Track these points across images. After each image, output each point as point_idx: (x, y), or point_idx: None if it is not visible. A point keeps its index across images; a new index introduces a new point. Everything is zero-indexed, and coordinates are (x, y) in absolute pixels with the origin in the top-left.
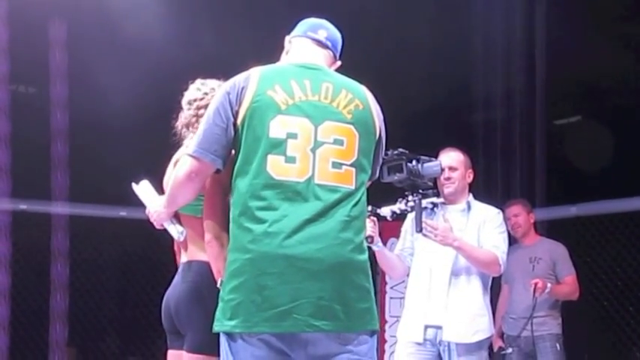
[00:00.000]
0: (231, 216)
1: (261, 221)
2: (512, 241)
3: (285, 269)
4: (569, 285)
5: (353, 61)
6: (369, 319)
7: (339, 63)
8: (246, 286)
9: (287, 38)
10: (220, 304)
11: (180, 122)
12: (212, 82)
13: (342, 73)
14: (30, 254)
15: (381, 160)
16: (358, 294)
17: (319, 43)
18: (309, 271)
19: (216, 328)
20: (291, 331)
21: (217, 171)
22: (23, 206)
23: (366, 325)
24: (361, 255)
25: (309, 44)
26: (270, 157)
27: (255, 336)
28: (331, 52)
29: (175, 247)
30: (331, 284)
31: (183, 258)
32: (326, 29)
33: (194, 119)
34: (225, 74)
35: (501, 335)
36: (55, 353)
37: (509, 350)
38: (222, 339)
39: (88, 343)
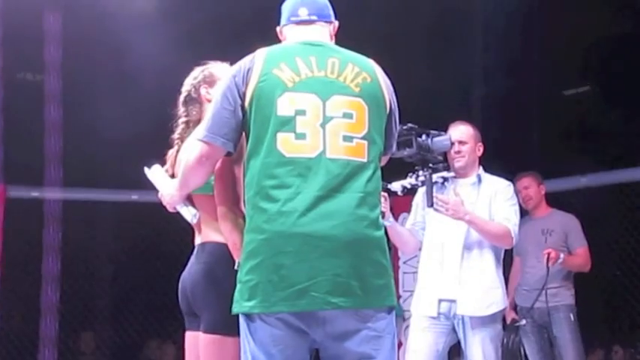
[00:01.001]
0: (245, 197)
1: (274, 200)
2: (524, 213)
3: (300, 247)
4: (581, 257)
5: (356, 38)
6: (387, 295)
7: (336, 23)
8: (263, 267)
9: (278, 29)
10: (238, 286)
11: (179, 119)
12: (194, 72)
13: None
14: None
15: (396, 134)
16: (375, 270)
17: (305, 22)
18: (325, 248)
19: (235, 309)
20: (309, 310)
21: (229, 154)
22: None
23: (383, 300)
24: (377, 231)
25: (298, 28)
26: (279, 135)
27: (274, 316)
28: (322, 22)
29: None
30: (347, 261)
31: (197, 240)
32: (304, 5)
33: (185, 117)
34: None
35: (514, 307)
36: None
37: (523, 322)
38: (241, 320)
39: (105, 326)
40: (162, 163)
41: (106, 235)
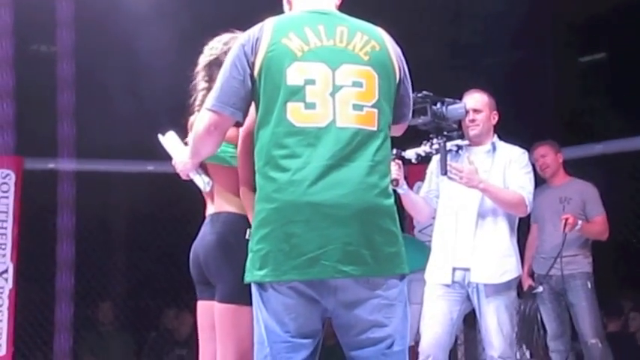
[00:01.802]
0: (255, 167)
1: (284, 170)
2: (542, 182)
3: (311, 216)
4: (599, 224)
5: (368, 7)
6: (398, 263)
7: None
8: (274, 236)
9: None
10: (250, 255)
11: (195, 86)
12: (225, 37)
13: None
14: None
15: (409, 103)
16: (385, 238)
17: None
18: (336, 217)
19: (247, 278)
20: (320, 278)
21: (237, 124)
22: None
23: (394, 269)
24: (387, 199)
25: None
26: (289, 105)
27: (285, 284)
28: None
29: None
30: (358, 229)
31: (210, 209)
32: None
33: (206, 83)
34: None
35: (532, 275)
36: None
37: (540, 289)
38: (254, 289)
39: (123, 296)
40: (180, 131)
41: (123, 206)
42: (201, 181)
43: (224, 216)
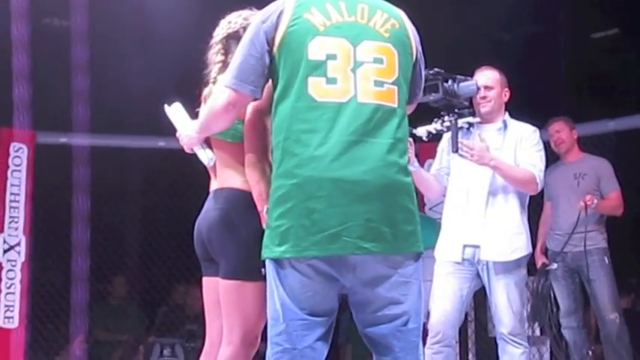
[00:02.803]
0: (274, 142)
1: (306, 145)
2: (555, 159)
3: (332, 192)
4: (613, 200)
5: None
6: (414, 241)
7: None
8: (295, 211)
9: None
10: (267, 232)
11: (210, 58)
12: (245, 13)
13: None
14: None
15: (421, 83)
16: (405, 216)
17: None
18: (357, 193)
19: (264, 254)
20: (340, 254)
21: (255, 99)
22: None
23: (411, 246)
24: (406, 177)
25: None
26: (310, 80)
27: (305, 261)
28: None
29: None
30: (379, 206)
31: (213, 185)
32: None
33: (222, 56)
34: None
35: (545, 252)
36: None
37: (554, 266)
38: (270, 266)
39: (135, 271)
40: (187, 103)
41: (135, 181)
42: (205, 156)
43: (227, 191)
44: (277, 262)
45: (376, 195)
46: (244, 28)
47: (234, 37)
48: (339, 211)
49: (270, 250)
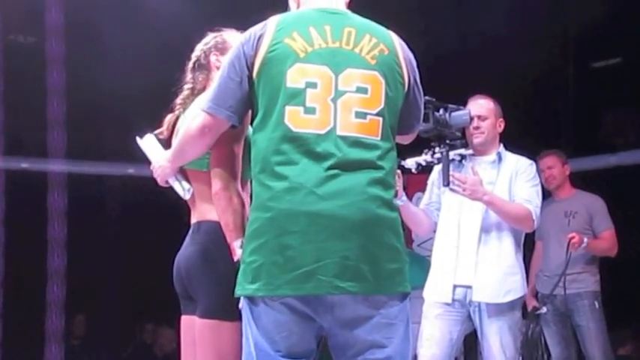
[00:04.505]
0: (252, 174)
1: (281, 177)
2: (547, 194)
3: (307, 227)
4: (607, 240)
5: (373, 6)
6: (400, 281)
7: None
8: (268, 247)
9: None
10: (241, 267)
11: (184, 85)
12: (208, 37)
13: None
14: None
15: (418, 113)
16: (388, 253)
17: None
18: (334, 229)
19: (237, 292)
20: (316, 294)
21: (233, 127)
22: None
23: (396, 286)
24: (391, 212)
25: None
26: (288, 109)
27: (278, 299)
28: None
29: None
30: (357, 243)
31: (193, 218)
32: None
33: (190, 83)
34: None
35: (535, 295)
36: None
37: (544, 310)
38: (244, 304)
39: (97, 309)
40: (159, 128)
41: (99, 211)
42: (181, 188)
43: (206, 225)
44: (251, 300)
45: (355, 231)
46: (205, 53)
47: (196, 66)
48: (314, 247)
49: (242, 287)
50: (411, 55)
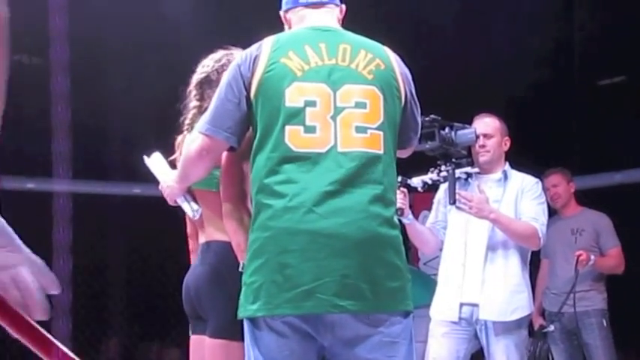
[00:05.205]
0: (252, 194)
1: (280, 196)
2: (552, 212)
3: (307, 245)
4: (614, 258)
5: (377, 26)
6: (401, 299)
7: (343, 7)
8: (267, 266)
9: (281, 13)
10: (243, 288)
11: (187, 104)
12: (217, 55)
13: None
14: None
15: (416, 126)
16: (387, 272)
17: (316, 4)
18: (333, 247)
19: (240, 314)
20: (315, 312)
21: (232, 149)
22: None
23: (397, 305)
24: (391, 230)
25: (307, 12)
26: (288, 128)
27: (279, 319)
28: (332, 5)
29: (189, 230)
30: (357, 261)
31: (201, 239)
32: None
33: (197, 102)
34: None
35: (542, 312)
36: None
37: (551, 328)
38: (246, 325)
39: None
40: (168, 152)
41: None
42: (190, 208)
43: (215, 245)
44: (253, 321)
45: (355, 249)
46: (217, 71)
47: (206, 82)
48: (313, 265)
49: (244, 308)
50: (406, 70)
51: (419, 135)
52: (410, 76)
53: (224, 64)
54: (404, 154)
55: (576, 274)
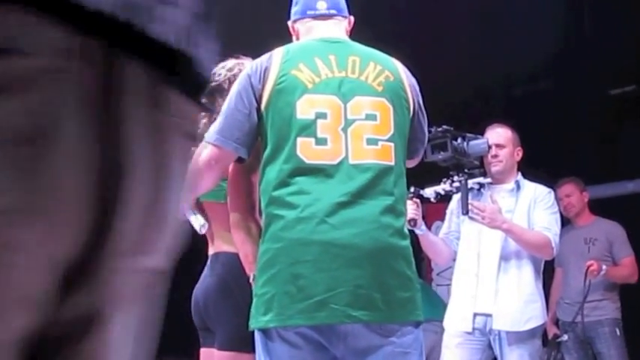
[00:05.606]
0: (262, 206)
1: (292, 207)
2: (566, 222)
3: (319, 256)
4: (627, 267)
5: (388, 42)
6: (412, 309)
7: (352, 19)
8: (280, 277)
9: (289, 24)
10: (254, 300)
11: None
12: (229, 63)
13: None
14: None
15: (423, 137)
16: (399, 282)
17: (324, 16)
18: (346, 257)
19: (251, 325)
20: (328, 323)
21: (240, 160)
22: None
23: (408, 315)
24: (402, 240)
25: (315, 23)
26: (299, 140)
27: (292, 330)
28: (340, 17)
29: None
30: (369, 271)
31: (210, 250)
32: None
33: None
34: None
35: (556, 322)
36: None
37: (565, 337)
38: (258, 337)
39: None
40: None
41: None
42: (197, 222)
43: (223, 256)
44: (265, 332)
45: (367, 259)
46: (229, 80)
47: (218, 91)
48: (326, 276)
49: (256, 320)
50: (414, 81)
51: (425, 146)
52: (417, 87)
53: (236, 74)
54: (411, 164)
55: (587, 285)
